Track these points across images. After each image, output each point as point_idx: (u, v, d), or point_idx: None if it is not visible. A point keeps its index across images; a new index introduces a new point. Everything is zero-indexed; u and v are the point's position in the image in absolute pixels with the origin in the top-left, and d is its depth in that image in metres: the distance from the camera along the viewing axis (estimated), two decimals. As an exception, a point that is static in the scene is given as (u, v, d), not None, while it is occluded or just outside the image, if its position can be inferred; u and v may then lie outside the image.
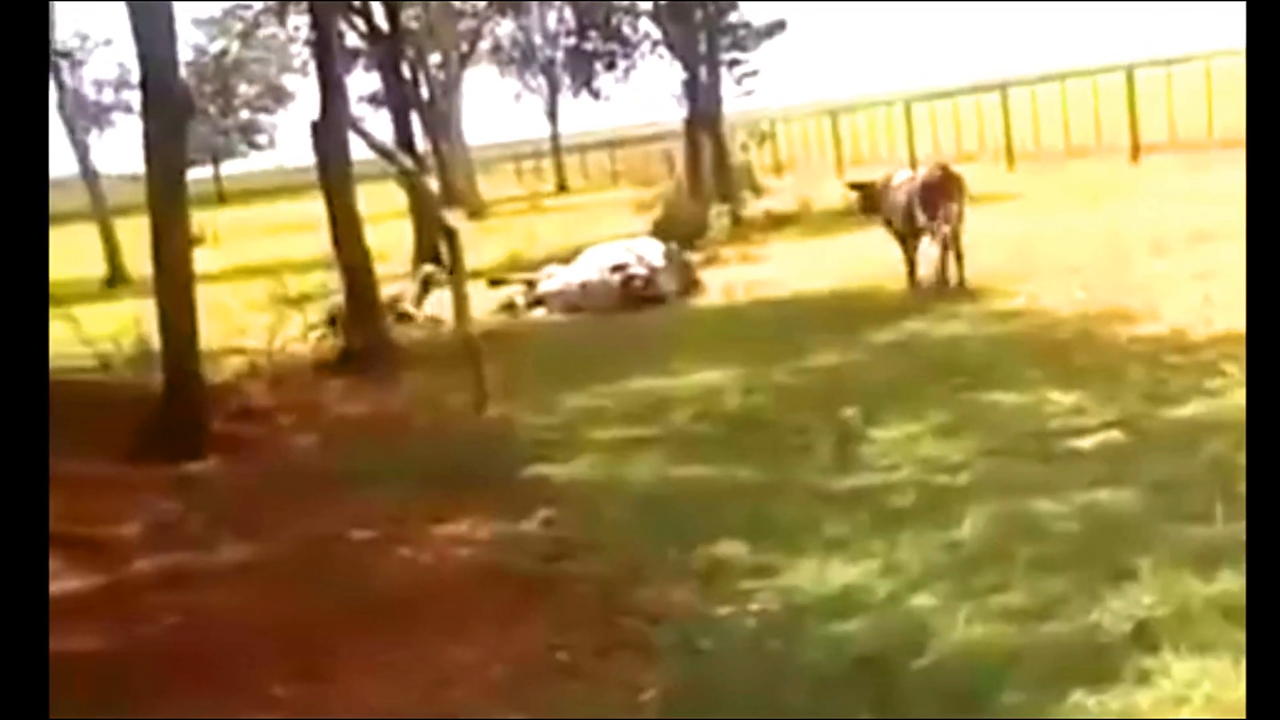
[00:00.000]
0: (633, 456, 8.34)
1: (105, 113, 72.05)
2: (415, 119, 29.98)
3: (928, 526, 6.17)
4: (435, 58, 40.42)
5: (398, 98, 29.01)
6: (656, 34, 41.93)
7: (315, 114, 13.84)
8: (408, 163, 18.50)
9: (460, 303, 11.47)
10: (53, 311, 10.74)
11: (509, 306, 16.66)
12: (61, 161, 34.67)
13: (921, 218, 13.26)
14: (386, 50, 28.66)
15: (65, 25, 52.16)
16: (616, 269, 16.09)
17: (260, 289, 15.92)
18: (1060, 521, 6.05)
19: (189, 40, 63.46)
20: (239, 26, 50.57)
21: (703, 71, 27.21)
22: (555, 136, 58.27)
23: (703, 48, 27.46)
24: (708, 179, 25.75)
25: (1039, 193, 22.13)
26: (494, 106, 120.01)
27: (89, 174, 31.41)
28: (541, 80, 57.82)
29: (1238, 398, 7.04)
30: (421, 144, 29.96)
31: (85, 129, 40.51)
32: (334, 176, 13.79)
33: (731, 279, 16.66)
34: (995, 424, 7.97)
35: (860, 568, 5.78)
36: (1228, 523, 5.35)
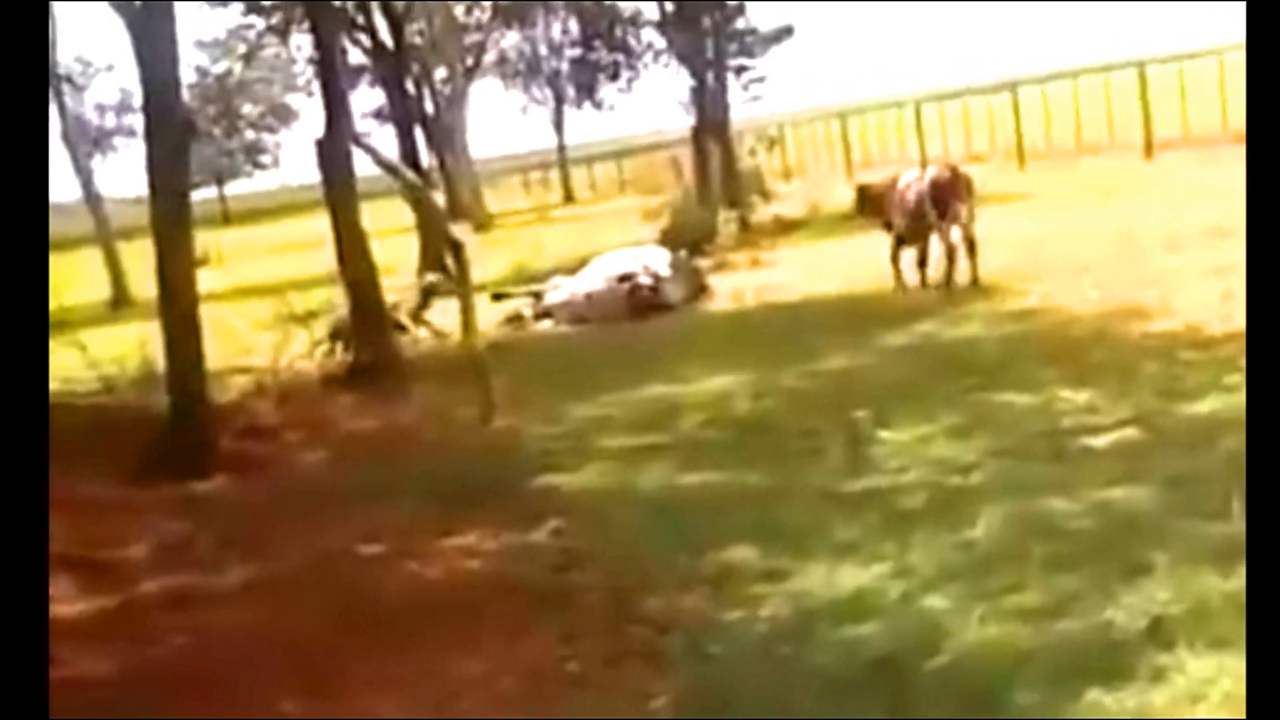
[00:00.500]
0: (641, 464, 8.29)
1: (108, 137, 72.14)
2: (420, 133, 30.01)
3: (940, 527, 6.11)
4: (440, 72, 40.42)
5: (402, 113, 29.07)
6: (660, 44, 42.21)
7: (320, 132, 13.84)
8: (413, 178, 18.52)
9: (467, 315, 11.45)
10: (59, 338, 10.80)
11: (516, 318, 16.61)
12: (65, 186, 34.80)
13: (932, 216, 13.29)
14: (391, 66, 28.78)
15: (67, 50, 52.19)
16: (623, 278, 16.03)
17: (266, 308, 15.89)
18: (1074, 520, 5.99)
19: (192, 62, 63.93)
20: (242, 47, 50.67)
21: (710, 78, 27.20)
22: (561, 148, 58.30)
23: (710, 54, 27.44)
24: (716, 185, 25.71)
25: (1051, 191, 22.05)
26: (500, 119, 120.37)
27: (92, 198, 31.47)
28: (547, 92, 57.86)
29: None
30: (427, 158, 29.94)
31: (88, 153, 40.61)
32: (339, 193, 13.78)
33: (740, 284, 16.61)
34: (1008, 424, 7.90)
35: (872, 570, 5.72)
36: (1244, 519, 5.27)
